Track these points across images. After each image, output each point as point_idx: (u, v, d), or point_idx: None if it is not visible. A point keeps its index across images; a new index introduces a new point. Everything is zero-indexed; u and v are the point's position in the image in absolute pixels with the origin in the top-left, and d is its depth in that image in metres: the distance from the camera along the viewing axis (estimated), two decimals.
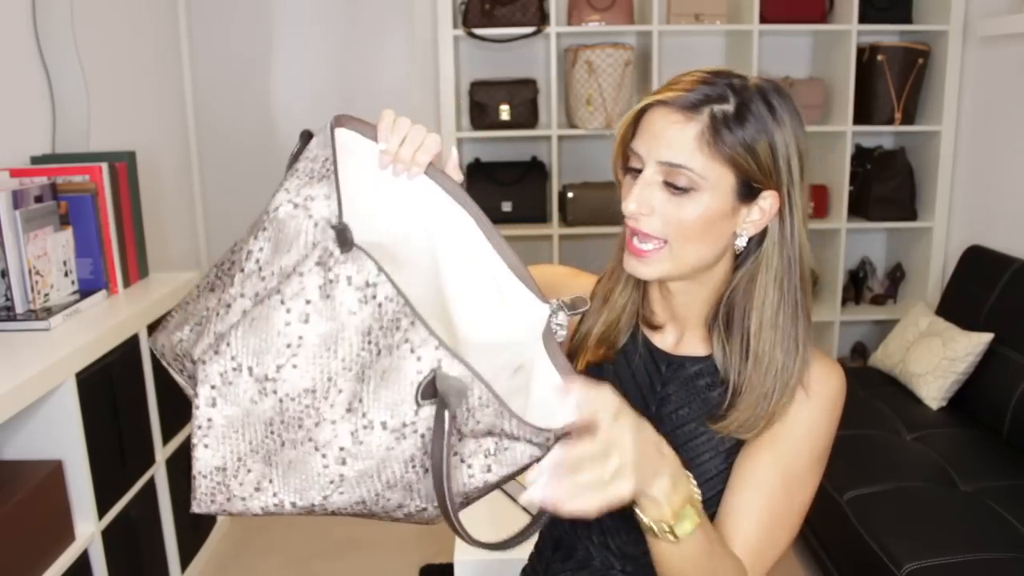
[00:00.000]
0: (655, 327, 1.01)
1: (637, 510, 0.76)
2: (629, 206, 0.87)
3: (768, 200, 0.88)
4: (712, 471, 0.93)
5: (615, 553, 1.01)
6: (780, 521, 0.90)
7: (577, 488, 0.67)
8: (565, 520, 1.05)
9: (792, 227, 0.89)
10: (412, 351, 0.67)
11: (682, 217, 0.86)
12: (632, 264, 0.91)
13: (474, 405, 0.68)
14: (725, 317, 0.92)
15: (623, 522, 0.99)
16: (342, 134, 0.78)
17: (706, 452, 0.94)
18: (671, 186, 0.86)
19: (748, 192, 0.87)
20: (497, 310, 0.82)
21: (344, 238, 0.68)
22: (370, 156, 0.81)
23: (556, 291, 1.00)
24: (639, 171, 0.88)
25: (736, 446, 0.93)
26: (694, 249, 0.88)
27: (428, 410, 0.68)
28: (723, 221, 0.87)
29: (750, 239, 0.90)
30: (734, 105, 0.84)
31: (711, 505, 0.92)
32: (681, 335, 0.99)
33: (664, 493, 0.74)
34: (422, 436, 0.69)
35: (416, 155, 0.81)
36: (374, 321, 0.68)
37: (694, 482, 0.80)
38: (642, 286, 1.01)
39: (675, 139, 0.84)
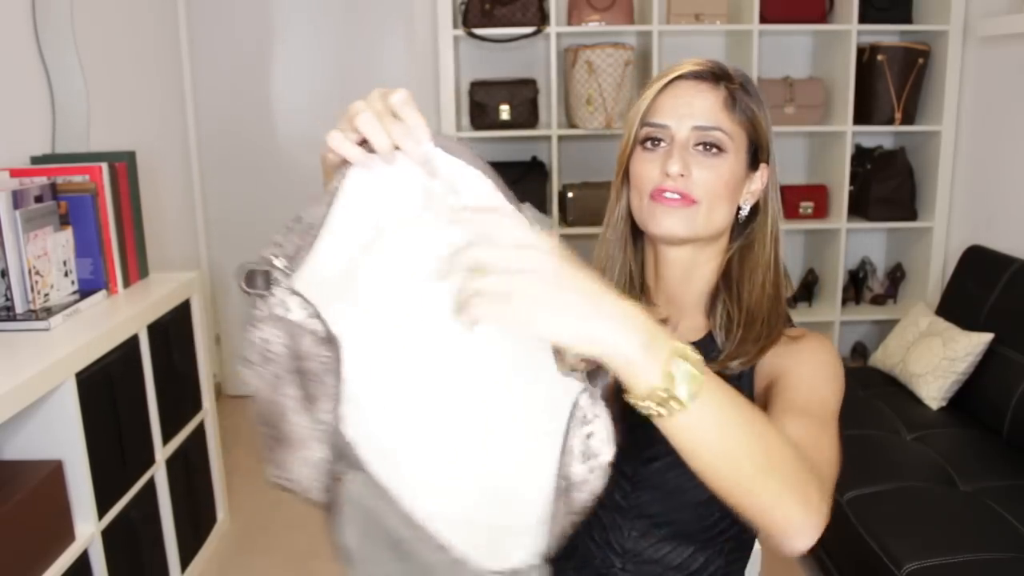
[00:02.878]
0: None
1: (628, 398, 0.63)
2: (672, 167, 0.94)
3: (763, 173, 1.01)
4: None
5: (615, 551, 1.02)
6: (815, 437, 0.85)
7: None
8: None
9: (776, 198, 1.02)
10: None
11: (715, 177, 0.95)
12: (664, 222, 0.96)
13: None
14: (725, 285, 1.01)
15: (622, 518, 1.01)
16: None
17: None
18: (704, 149, 0.96)
19: (753, 159, 0.99)
20: None
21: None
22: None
23: None
24: (657, 143, 0.97)
25: None
26: (721, 210, 0.97)
27: None
28: (740, 185, 0.99)
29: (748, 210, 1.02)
30: (737, 82, 0.98)
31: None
32: (678, 323, 1.03)
33: (630, 351, 0.60)
34: None
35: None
36: None
37: (677, 340, 0.64)
38: (637, 283, 1.05)
39: (706, 104, 0.96)
